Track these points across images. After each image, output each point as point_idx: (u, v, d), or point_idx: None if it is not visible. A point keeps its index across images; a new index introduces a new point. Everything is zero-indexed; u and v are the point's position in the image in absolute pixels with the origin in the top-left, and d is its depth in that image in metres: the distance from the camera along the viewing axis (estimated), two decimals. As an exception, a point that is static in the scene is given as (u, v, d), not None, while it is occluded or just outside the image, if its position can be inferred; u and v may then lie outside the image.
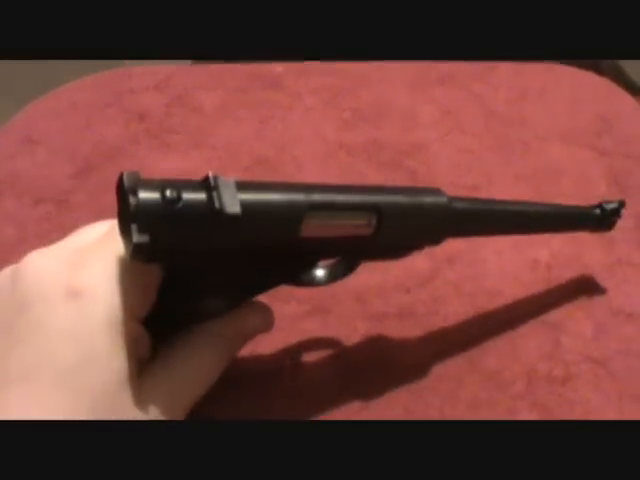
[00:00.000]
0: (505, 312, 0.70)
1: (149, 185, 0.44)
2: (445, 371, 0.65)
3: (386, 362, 0.65)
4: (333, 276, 0.55)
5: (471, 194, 0.79)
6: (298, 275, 0.53)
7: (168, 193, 0.44)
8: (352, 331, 0.67)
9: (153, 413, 0.43)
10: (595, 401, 0.64)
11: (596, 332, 0.68)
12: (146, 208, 0.43)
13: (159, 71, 0.96)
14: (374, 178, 0.79)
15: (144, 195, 0.44)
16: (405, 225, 0.53)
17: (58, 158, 0.85)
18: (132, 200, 0.43)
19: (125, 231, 0.45)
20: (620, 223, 0.71)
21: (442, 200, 0.56)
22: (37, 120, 0.91)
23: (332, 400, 0.61)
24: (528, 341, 0.68)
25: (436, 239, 0.58)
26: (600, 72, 0.97)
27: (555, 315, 0.70)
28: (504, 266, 0.74)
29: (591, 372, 0.66)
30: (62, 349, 0.42)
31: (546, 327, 0.69)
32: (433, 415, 0.62)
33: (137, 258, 0.44)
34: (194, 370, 0.49)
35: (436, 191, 0.57)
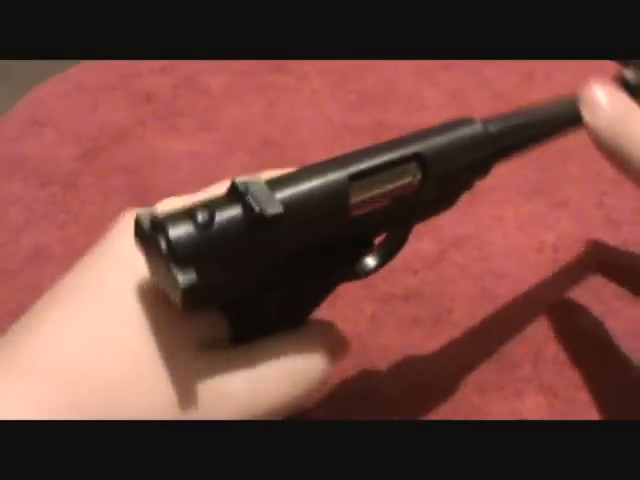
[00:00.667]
0: (512, 293, 0.70)
1: (174, 217, 0.38)
2: (452, 352, 0.65)
3: (393, 343, 0.66)
4: (386, 255, 0.51)
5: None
6: (353, 267, 0.48)
7: (199, 217, 0.37)
8: (359, 312, 0.67)
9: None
10: (603, 383, 0.64)
11: (602, 314, 0.68)
12: (182, 243, 0.37)
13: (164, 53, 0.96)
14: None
15: (174, 230, 0.37)
16: (449, 166, 0.50)
17: (65, 140, 0.86)
18: (163, 241, 0.37)
19: (165, 279, 0.38)
20: (626, 204, 0.71)
21: (478, 128, 0.54)
22: (44, 103, 0.91)
23: (343, 378, 0.62)
24: (535, 323, 0.68)
25: (483, 170, 0.55)
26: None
27: (562, 296, 0.70)
28: (511, 248, 0.74)
29: (599, 353, 0.66)
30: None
31: (553, 309, 0.69)
32: (438, 396, 0.62)
33: (189, 305, 0.38)
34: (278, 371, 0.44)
35: (469, 121, 0.54)
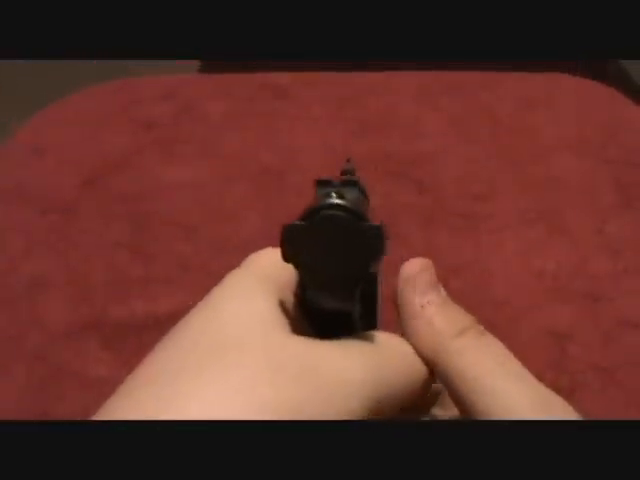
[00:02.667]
0: (511, 321, 0.70)
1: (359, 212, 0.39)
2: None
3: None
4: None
5: (476, 203, 0.80)
6: None
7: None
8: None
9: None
10: (601, 410, 0.64)
11: (603, 342, 0.68)
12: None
13: (165, 81, 0.96)
14: (380, 188, 0.80)
15: (342, 200, 0.39)
16: None
17: (65, 168, 0.86)
18: (340, 211, 0.39)
19: (345, 254, 0.40)
20: (626, 231, 0.71)
21: None
22: (44, 130, 0.92)
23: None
24: (534, 350, 0.68)
25: None
26: (605, 77, 0.97)
27: (561, 324, 0.70)
28: (510, 276, 0.74)
29: (597, 381, 0.66)
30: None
31: (552, 336, 0.69)
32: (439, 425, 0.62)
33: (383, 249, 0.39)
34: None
35: None
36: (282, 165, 0.85)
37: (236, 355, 0.38)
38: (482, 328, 0.42)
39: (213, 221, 0.79)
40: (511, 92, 0.95)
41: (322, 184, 0.41)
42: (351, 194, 0.40)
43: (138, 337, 0.71)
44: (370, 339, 0.42)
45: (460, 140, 0.88)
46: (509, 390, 0.39)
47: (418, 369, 0.42)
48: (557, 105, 0.93)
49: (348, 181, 0.42)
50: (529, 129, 0.90)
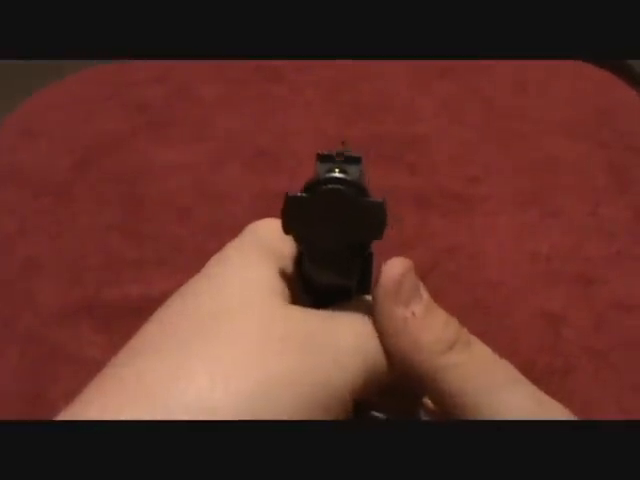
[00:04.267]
0: (505, 304, 0.70)
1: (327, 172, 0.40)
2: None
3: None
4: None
5: (470, 186, 0.80)
6: None
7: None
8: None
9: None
10: (595, 393, 0.64)
11: (596, 324, 0.68)
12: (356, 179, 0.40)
13: (159, 64, 0.96)
14: (374, 172, 0.79)
15: (343, 174, 0.40)
16: None
17: (58, 150, 0.86)
18: (343, 185, 0.39)
19: (346, 226, 0.40)
20: (620, 215, 0.71)
21: None
22: (38, 113, 0.91)
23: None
24: (528, 333, 0.68)
25: None
26: (601, 63, 0.97)
27: (555, 307, 0.70)
28: (504, 258, 0.74)
29: (591, 364, 0.66)
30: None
31: (546, 319, 0.69)
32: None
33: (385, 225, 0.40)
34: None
35: None
36: (276, 148, 0.85)
37: (240, 323, 0.38)
38: (467, 336, 0.41)
39: (207, 203, 0.79)
40: (505, 76, 0.95)
41: (324, 159, 0.41)
42: (353, 170, 0.40)
43: (132, 319, 0.70)
44: (362, 307, 0.41)
45: (454, 123, 0.88)
46: (509, 401, 0.39)
47: None
48: (551, 88, 0.93)
49: (351, 157, 0.41)
50: (523, 112, 0.90)
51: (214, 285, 0.41)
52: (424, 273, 0.71)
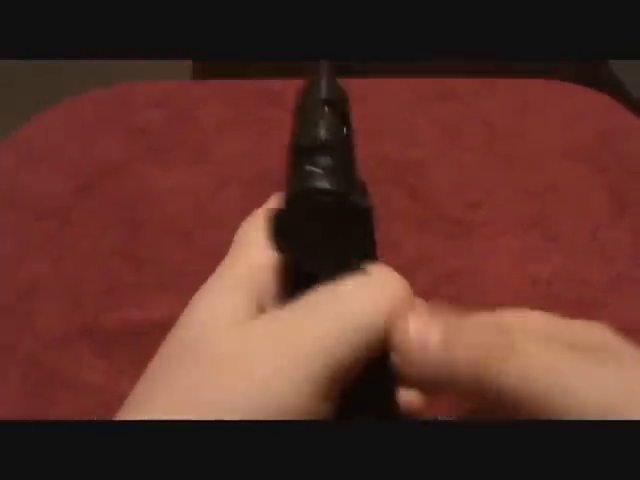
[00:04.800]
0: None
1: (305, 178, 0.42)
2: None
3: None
4: None
5: (470, 210, 0.80)
6: None
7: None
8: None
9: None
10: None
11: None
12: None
13: (159, 87, 0.96)
14: (374, 194, 0.79)
15: (323, 182, 0.41)
16: None
17: (59, 174, 0.86)
18: (326, 194, 0.40)
19: (330, 235, 0.41)
20: (620, 238, 0.71)
21: None
22: (39, 136, 0.91)
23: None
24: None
25: None
26: (599, 86, 0.98)
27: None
28: (504, 282, 0.74)
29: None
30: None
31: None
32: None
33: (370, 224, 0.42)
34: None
35: None
36: (276, 170, 0.85)
37: (198, 354, 0.40)
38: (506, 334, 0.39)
39: (207, 227, 0.79)
40: (505, 99, 0.95)
41: (299, 152, 0.43)
42: (326, 161, 0.41)
43: (132, 344, 0.71)
44: (332, 292, 0.41)
45: (454, 147, 0.88)
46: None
47: (375, 320, 0.40)
48: (552, 112, 0.93)
49: (319, 147, 0.42)
50: (523, 136, 0.90)
51: (187, 315, 0.44)
52: (423, 297, 0.71)
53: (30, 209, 0.82)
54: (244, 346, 0.40)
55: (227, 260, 0.48)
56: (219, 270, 0.48)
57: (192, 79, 1.31)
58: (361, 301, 0.41)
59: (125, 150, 0.88)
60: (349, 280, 0.41)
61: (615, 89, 0.97)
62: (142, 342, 0.70)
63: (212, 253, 0.77)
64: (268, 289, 0.44)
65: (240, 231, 0.49)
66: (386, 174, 0.84)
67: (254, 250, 0.47)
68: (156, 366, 0.43)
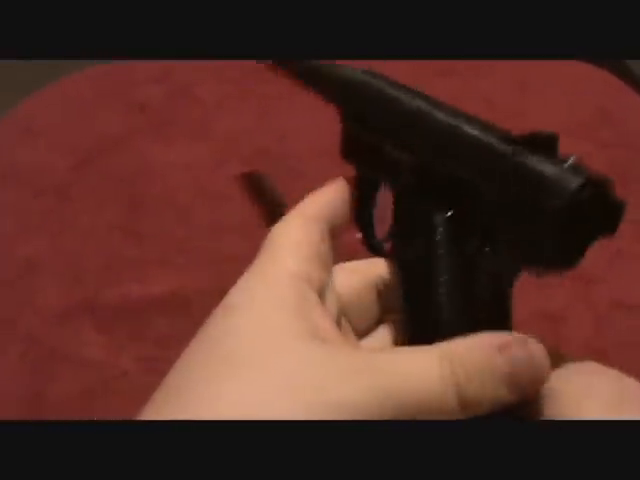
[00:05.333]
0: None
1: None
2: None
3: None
4: None
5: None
6: None
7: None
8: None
9: None
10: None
11: (596, 324, 0.68)
12: None
13: (159, 63, 0.96)
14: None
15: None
16: None
17: (58, 150, 0.85)
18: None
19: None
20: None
21: None
22: (38, 112, 0.91)
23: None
24: (528, 332, 0.68)
25: None
26: (601, 64, 0.97)
27: (555, 307, 0.70)
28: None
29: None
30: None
31: (546, 319, 0.69)
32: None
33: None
34: None
35: None
36: (276, 147, 0.85)
37: (255, 370, 0.39)
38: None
39: (207, 203, 0.79)
40: (506, 76, 0.94)
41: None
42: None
43: (132, 319, 0.71)
44: (381, 361, 0.40)
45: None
46: None
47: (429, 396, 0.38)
48: (552, 89, 0.93)
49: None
50: (523, 113, 0.89)
51: (234, 325, 0.42)
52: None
53: (29, 185, 0.82)
54: (293, 363, 0.39)
55: (261, 267, 0.45)
56: (256, 276, 0.44)
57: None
58: (409, 382, 0.39)
59: (125, 125, 0.88)
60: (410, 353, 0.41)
61: (614, 64, 0.97)
62: (142, 318, 0.70)
63: (212, 228, 0.78)
64: (317, 305, 0.43)
65: (273, 236, 0.46)
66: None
67: (295, 255, 0.44)
68: (195, 370, 0.41)
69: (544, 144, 0.44)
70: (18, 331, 0.71)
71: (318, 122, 0.88)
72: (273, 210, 0.75)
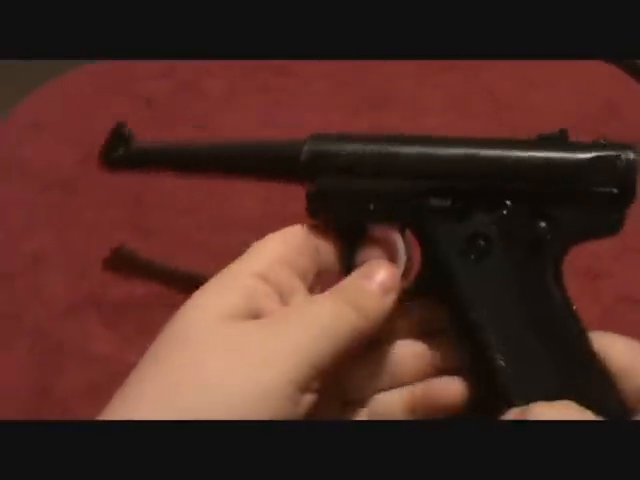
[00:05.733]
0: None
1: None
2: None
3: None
4: None
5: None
6: None
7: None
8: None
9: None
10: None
11: (602, 318, 0.68)
12: None
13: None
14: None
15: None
16: None
17: (64, 144, 0.86)
18: None
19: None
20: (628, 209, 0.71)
21: None
22: (43, 107, 0.91)
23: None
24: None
25: None
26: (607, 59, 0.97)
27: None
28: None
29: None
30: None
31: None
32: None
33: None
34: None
35: None
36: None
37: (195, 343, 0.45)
38: None
39: (213, 198, 0.79)
40: (510, 70, 0.94)
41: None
42: None
43: (138, 313, 0.71)
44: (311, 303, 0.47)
45: (460, 117, 0.88)
46: None
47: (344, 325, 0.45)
48: (557, 82, 0.92)
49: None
50: (529, 106, 0.89)
51: (181, 310, 0.47)
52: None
53: (35, 180, 0.82)
54: (233, 341, 0.44)
55: (232, 264, 0.50)
56: (222, 272, 0.50)
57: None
58: (327, 318, 0.46)
59: (130, 120, 0.87)
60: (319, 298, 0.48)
61: (621, 60, 0.97)
62: (148, 312, 0.70)
63: (216, 224, 0.78)
64: (267, 298, 0.48)
65: (259, 242, 0.51)
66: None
67: (262, 260, 0.50)
68: (147, 360, 0.46)
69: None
70: (25, 325, 0.71)
71: (325, 115, 0.88)
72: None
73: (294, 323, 0.45)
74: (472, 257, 0.47)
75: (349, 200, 0.50)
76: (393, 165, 0.50)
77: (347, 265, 0.51)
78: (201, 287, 0.48)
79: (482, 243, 0.47)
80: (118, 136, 0.65)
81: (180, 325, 0.46)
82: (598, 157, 0.48)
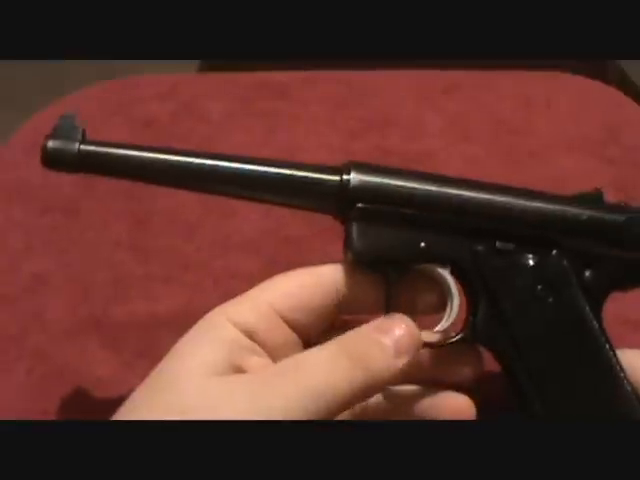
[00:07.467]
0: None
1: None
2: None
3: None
4: None
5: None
6: None
7: None
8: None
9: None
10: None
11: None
12: None
13: (165, 80, 0.96)
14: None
15: None
16: None
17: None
18: None
19: None
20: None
21: None
22: (43, 129, 0.91)
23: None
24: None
25: None
26: (606, 80, 0.97)
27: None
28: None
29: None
30: None
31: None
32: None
33: None
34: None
35: None
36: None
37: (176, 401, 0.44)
38: None
39: (214, 219, 0.79)
40: (511, 91, 0.95)
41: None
42: None
43: (140, 336, 0.71)
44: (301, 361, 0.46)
45: (460, 139, 0.88)
46: None
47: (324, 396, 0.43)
48: (557, 104, 0.93)
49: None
50: (529, 128, 0.89)
51: (164, 361, 0.48)
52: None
53: (36, 201, 0.82)
54: (214, 399, 0.43)
55: (214, 311, 0.51)
56: (203, 319, 0.50)
57: (198, 72, 1.31)
58: (323, 374, 0.44)
59: (131, 141, 0.88)
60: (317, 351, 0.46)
61: (622, 81, 0.97)
62: (150, 335, 0.70)
63: (218, 245, 0.78)
64: (249, 350, 0.48)
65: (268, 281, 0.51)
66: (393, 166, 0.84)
67: (245, 310, 0.50)
68: (128, 409, 0.46)
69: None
70: (25, 347, 0.71)
71: (324, 138, 0.88)
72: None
73: (279, 383, 0.44)
74: (540, 299, 0.48)
75: (399, 235, 0.48)
76: (459, 205, 0.50)
77: (385, 306, 0.49)
78: (186, 334, 0.49)
79: (540, 287, 0.48)
80: (67, 130, 0.58)
81: (167, 376, 0.46)
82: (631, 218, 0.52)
